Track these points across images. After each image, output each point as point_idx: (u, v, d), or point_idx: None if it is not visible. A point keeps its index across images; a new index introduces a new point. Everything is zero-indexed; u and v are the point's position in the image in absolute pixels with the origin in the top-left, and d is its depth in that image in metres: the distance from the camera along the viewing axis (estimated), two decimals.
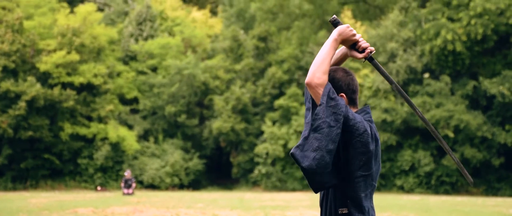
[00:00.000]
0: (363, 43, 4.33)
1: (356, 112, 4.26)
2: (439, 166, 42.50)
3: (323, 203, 4.34)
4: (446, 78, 43.19)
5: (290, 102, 45.84)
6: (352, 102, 4.32)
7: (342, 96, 4.23)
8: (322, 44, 46.61)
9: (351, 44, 4.36)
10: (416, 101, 42.75)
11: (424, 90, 43.73)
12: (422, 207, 24.61)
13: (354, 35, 4.29)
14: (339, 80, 4.27)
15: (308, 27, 50.91)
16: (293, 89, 46.46)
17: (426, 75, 44.22)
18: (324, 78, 4.08)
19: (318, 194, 4.40)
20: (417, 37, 44.78)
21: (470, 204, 27.83)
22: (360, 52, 4.35)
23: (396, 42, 45.10)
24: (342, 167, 4.12)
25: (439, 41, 42.00)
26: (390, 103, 43.29)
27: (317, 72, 4.08)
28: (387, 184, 43.97)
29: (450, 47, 41.79)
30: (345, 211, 4.12)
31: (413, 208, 24.12)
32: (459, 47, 41.69)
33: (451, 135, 40.93)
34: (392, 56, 45.18)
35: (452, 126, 40.90)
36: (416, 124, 42.78)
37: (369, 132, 4.13)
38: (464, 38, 41.68)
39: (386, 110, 43.02)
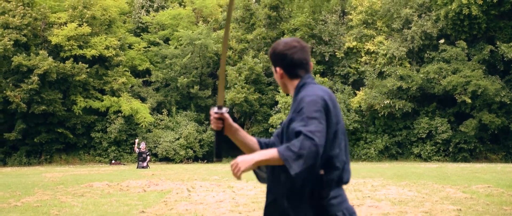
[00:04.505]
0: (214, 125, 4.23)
1: (297, 83, 4.18)
2: (456, 133, 42.06)
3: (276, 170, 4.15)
4: (462, 43, 42.57)
5: None
6: (293, 75, 4.20)
7: (276, 70, 4.20)
8: (335, 11, 46.14)
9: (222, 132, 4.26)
10: (432, 67, 42.23)
11: (440, 56, 43.17)
12: (440, 175, 24.26)
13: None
14: (277, 55, 4.21)
15: None
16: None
17: (442, 40, 43.60)
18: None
19: None
20: (432, 2, 44.20)
21: (489, 170, 27.44)
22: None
23: (410, 8, 44.48)
24: None
25: (454, 5, 41.36)
26: (405, 70, 42.83)
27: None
28: (404, 152, 43.63)
29: (465, 11, 41.12)
30: (322, 172, 3.97)
31: (431, 176, 23.78)
32: (475, 11, 41.01)
33: (469, 101, 40.43)
34: (407, 22, 44.58)
35: (470, 92, 40.34)
36: (432, 91, 42.32)
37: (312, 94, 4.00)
38: (480, 1, 40.97)
39: (401, 77, 42.56)
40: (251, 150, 4.34)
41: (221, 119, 4.17)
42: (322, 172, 3.95)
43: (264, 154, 3.83)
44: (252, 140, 4.39)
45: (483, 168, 29.70)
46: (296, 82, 4.17)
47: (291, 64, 4.15)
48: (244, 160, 3.83)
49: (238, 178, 3.86)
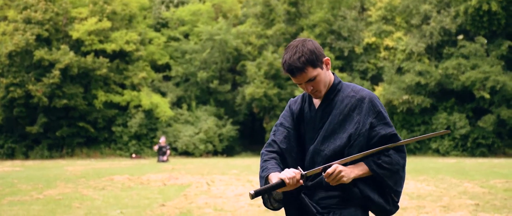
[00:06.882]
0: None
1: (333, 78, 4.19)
2: (475, 128, 42.01)
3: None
4: (481, 39, 42.50)
5: None
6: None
7: (324, 60, 4.05)
8: (354, 7, 46.12)
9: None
10: (450, 63, 42.18)
11: (458, 52, 43.10)
12: (458, 170, 24.34)
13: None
14: (318, 51, 4.04)
15: None
16: (325, 53, 45.94)
17: (461, 36, 43.52)
18: None
19: None
20: None
21: (507, 165, 27.46)
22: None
23: (429, 4, 44.39)
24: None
25: (474, 1, 41.25)
26: (424, 65, 42.78)
27: None
28: (422, 147, 43.62)
29: (485, 7, 41.01)
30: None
31: (449, 170, 23.88)
32: (494, 6, 40.91)
33: (487, 96, 40.40)
34: (426, 18, 44.53)
35: (488, 87, 40.31)
36: (451, 86, 42.28)
37: None
38: None
39: (420, 73, 42.53)
40: None
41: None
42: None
43: (361, 170, 4.00)
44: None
45: (501, 163, 29.70)
46: (332, 75, 4.15)
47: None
48: (346, 172, 3.90)
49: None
